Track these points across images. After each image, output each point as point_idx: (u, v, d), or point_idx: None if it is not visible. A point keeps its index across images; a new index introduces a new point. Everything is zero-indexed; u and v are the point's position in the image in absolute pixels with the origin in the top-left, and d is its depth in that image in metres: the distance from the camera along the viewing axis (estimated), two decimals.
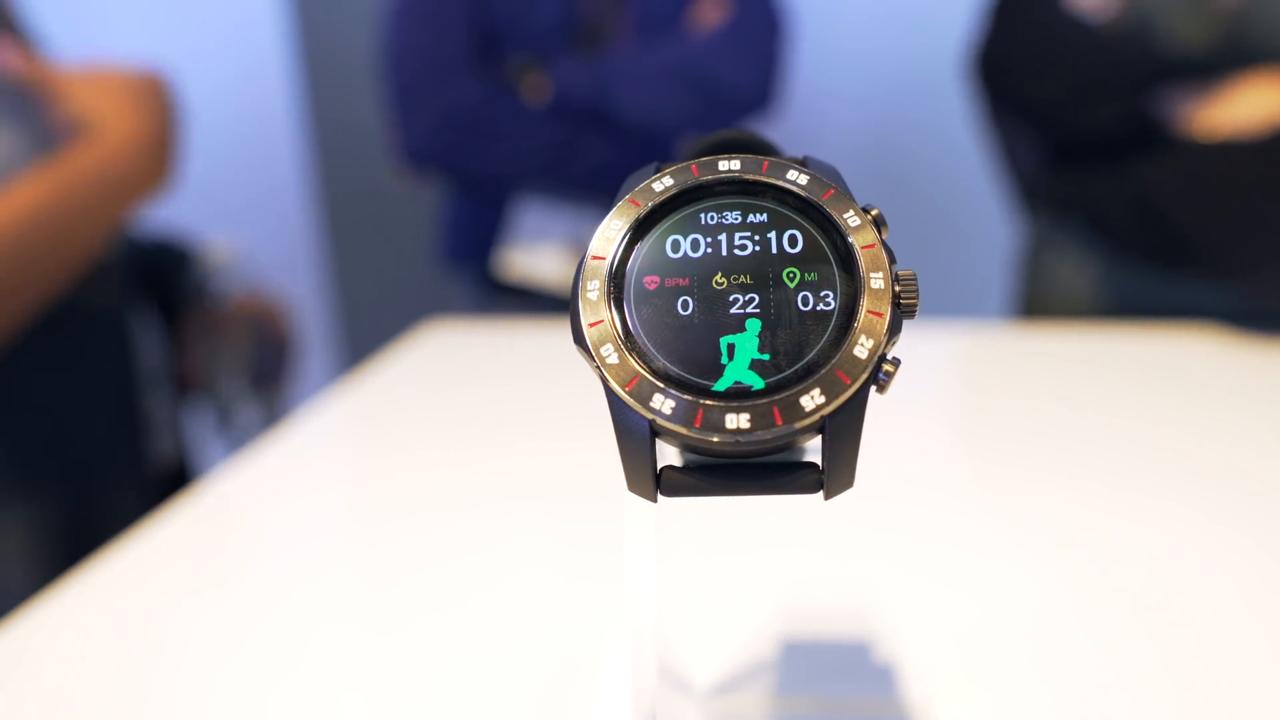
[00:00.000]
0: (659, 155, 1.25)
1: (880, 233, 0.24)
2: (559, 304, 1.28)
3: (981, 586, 0.46)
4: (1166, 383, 0.74)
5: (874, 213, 0.24)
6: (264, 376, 0.81)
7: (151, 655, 0.42)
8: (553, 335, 0.91)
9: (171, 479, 0.79)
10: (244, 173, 1.92)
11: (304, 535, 0.53)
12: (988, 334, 0.88)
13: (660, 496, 0.23)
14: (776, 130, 1.76)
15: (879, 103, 1.83)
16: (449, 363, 0.85)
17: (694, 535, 0.51)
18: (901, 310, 0.23)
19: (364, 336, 2.05)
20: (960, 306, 1.83)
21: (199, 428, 0.79)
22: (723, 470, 0.23)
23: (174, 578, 0.49)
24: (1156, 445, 0.62)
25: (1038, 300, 1.17)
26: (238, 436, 0.81)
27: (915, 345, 0.85)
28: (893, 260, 0.23)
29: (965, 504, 0.55)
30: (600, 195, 1.25)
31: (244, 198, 1.92)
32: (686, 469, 0.23)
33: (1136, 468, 0.58)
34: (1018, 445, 0.62)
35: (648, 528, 0.26)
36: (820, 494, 0.23)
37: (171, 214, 1.86)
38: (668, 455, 0.24)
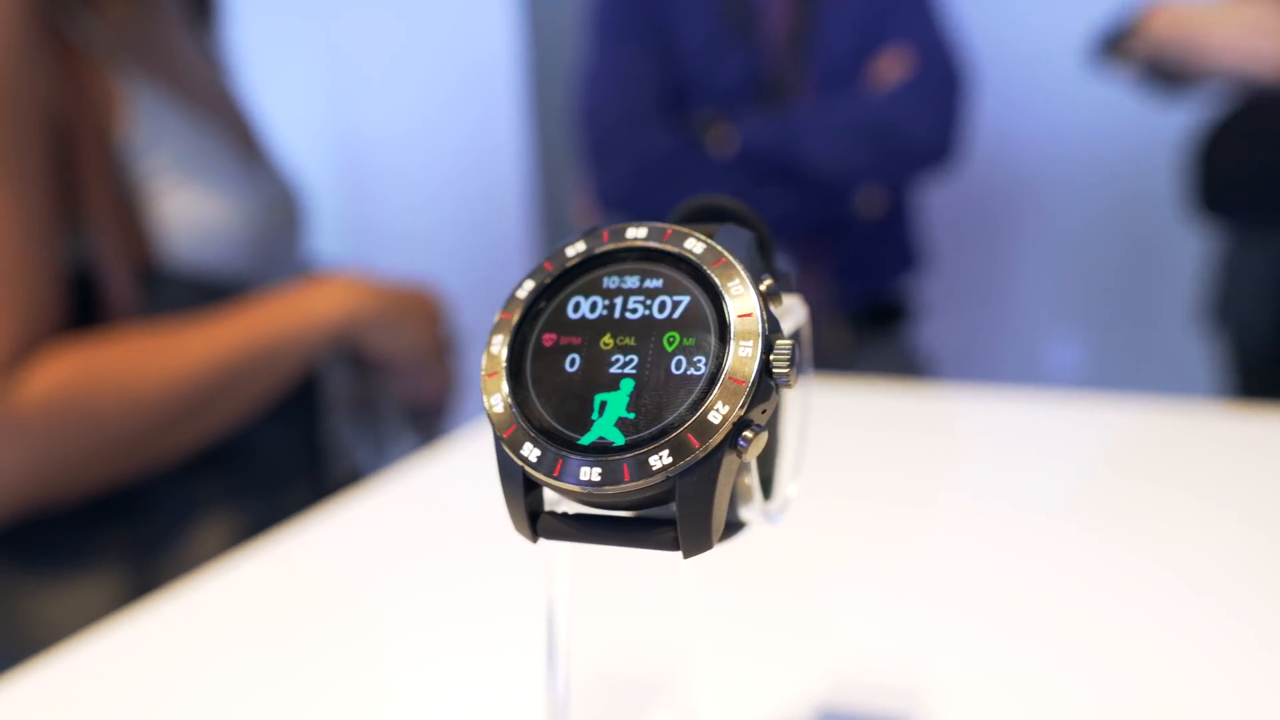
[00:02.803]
0: (840, 204, 1.25)
1: (767, 303, 0.24)
2: None
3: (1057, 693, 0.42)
4: None
5: (765, 284, 0.24)
6: (425, 413, 0.88)
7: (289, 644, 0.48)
8: None
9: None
10: (472, 222, 2.09)
11: (451, 543, 0.58)
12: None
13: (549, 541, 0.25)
14: (1019, 186, 1.69)
15: (1122, 158, 1.72)
16: None
17: (749, 594, 0.51)
18: (774, 379, 0.23)
19: None
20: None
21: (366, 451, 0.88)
22: (595, 520, 0.25)
23: (310, 576, 0.55)
24: None
25: None
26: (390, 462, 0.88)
27: (1128, 425, 0.75)
28: (772, 330, 0.24)
29: (1072, 607, 0.51)
30: (781, 243, 1.27)
31: (471, 246, 2.09)
32: (563, 516, 0.25)
33: None
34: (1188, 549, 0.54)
35: (565, 588, 0.28)
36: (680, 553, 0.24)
37: (397, 260, 2.05)
38: (588, 505, 0.26)
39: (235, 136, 0.85)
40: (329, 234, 2.19)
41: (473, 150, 2.08)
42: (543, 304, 0.26)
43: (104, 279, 0.72)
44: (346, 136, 2.17)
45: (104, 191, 0.72)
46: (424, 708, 0.41)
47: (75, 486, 0.69)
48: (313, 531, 0.60)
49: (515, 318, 0.26)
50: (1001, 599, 0.48)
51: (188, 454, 0.74)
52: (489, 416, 0.25)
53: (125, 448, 0.69)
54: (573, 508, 0.25)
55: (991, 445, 0.74)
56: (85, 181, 0.71)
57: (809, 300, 1.25)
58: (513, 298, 0.26)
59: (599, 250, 0.26)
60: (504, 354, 0.25)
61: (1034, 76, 1.71)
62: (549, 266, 0.26)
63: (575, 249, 0.26)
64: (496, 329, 0.26)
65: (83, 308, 0.72)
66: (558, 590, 0.28)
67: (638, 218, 1.08)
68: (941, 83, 1.21)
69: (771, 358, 0.23)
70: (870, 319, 1.33)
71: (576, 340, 0.25)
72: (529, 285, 0.26)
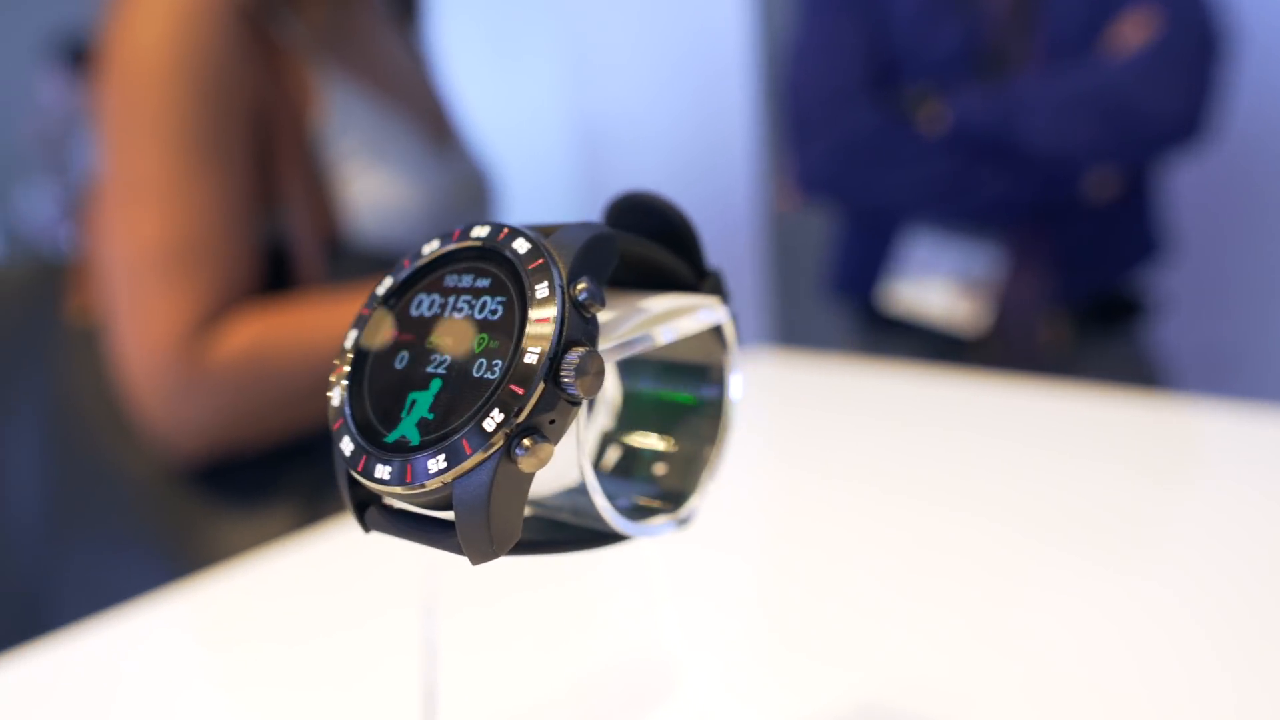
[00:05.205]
0: (1064, 187, 1.13)
1: (579, 309, 0.23)
2: (942, 341, 1.22)
3: None
4: None
5: (579, 287, 0.23)
6: None
7: None
8: (884, 381, 0.88)
9: None
10: (700, 199, 2.10)
11: None
12: None
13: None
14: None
15: None
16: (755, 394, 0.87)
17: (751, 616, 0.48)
18: (561, 389, 0.22)
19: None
20: None
21: None
22: (411, 517, 0.25)
23: None
24: None
25: None
26: None
27: None
28: (572, 337, 0.23)
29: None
30: (994, 229, 1.17)
31: (699, 223, 2.10)
32: (388, 510, 0.25)
33: None
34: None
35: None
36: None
37: None
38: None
39: (426, 123, 0.91)
40: (567, 209, 2.29)
41: (703, 128, 2.09)
42: (393, 301, 0.26)
43: (295, 252, 0.81)
44: (584, 117, 2.26)
45: (298, 174, 0.81)
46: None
47: (259, 433, 0.78)
48: None
49: (370, 313, 0.26)
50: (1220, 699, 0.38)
51: None
52: (329, 408, 0.26)
53: (302, 400, 0.78)
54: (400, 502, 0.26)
55: (1242, 473, 0.59)
56: (282, 165, 0.80)
57: (1021, 292, 1.15)
58: (372, 294, 0.27)
59: (447, 249, 0.26)
60: (353, 349, 0.26)
61: None
62: (406, 264, 0.27)
63: (430, 247, 0.26)
64: (354, 324, 0.27)
65: (276, 276, 0.81)
66: (433, 627, 0.28)
67: (841, 201, 1.04)
68: (1192, 48, 1.06)
69: (561, 368, 0.22)
70: (1097, 314, 1.20)
71: (410, 337, 0.25)
72: (387, 282, 0.27)
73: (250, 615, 0.51)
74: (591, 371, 0.22)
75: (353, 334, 0.26)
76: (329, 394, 0.26)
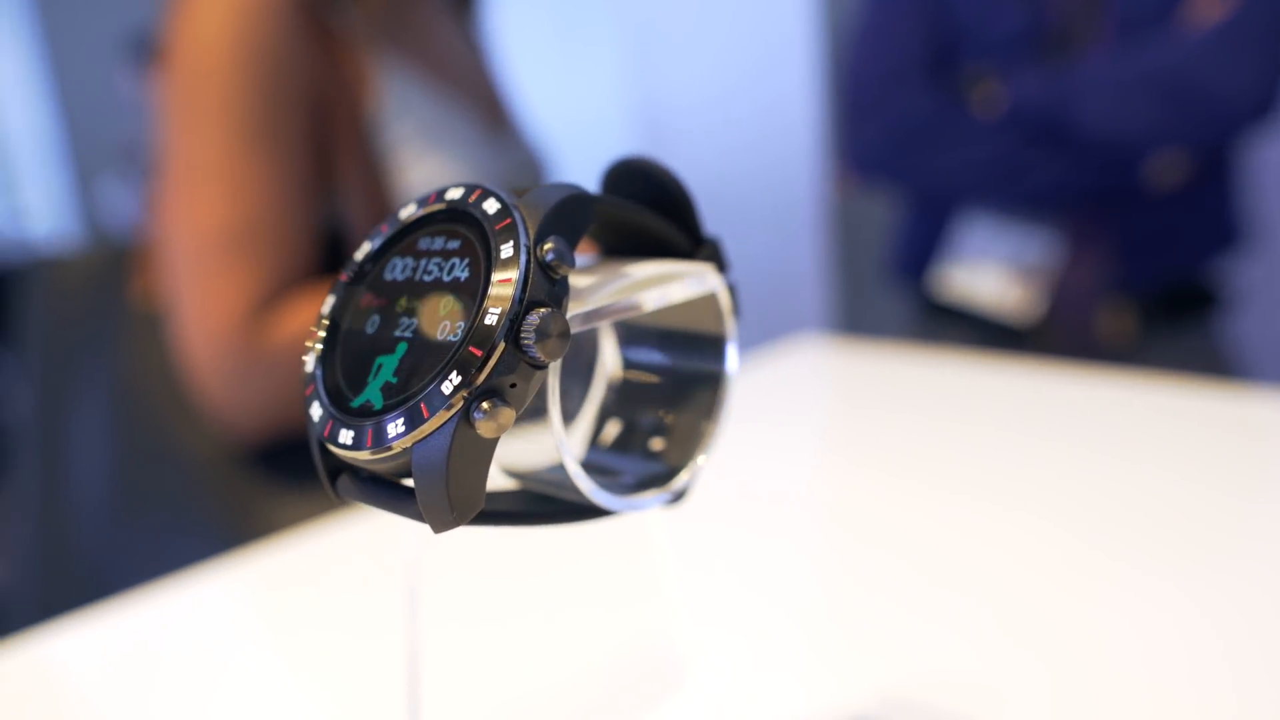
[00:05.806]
0: (1123, 171, 1.08)
1: (540, 271, 0.22)
2: (998, 329, 1.18)
3: None
4: None
5: (546, 247, 0.23)
6: None
7: None
8: (925, 370, 0.86)
9: None
10: (763, 185, 2.07)
11: None
12: None
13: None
14: None
15: None
16: (790, 382, 0.85)
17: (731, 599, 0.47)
18: (522, 352, 0.22)
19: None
20: None
21: None
22: (381, 483, 0.24)
23: None
24: None
25: None
26: None
27: None
28: (535, 302, 0.22)
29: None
30: (1050, 213, 1.13)
31: (761, 208, 2.08)
32: (359, 476, 0.25)
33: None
34: None
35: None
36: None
37: None
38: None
39: (482, 110, 0.92)
40: None
41: (765, 116, 2.06)
42: (370, 266, 0.26)
43: (352, 236, 0.82)
44: (645, 104, 2.26)
45: (355, 160, 0.82)
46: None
47: None
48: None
49: (348, 279, 0.26)
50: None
51: None
52: (303, 373, 0.25)
53: None
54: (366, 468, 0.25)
55: None
56: (339, 152, 0.81)
57: (1077, 280, 1.11)
58: (351, 259, 0.26)
59: (423, 212, 0.25)
60: (330, 314, 0.26)
61: None
62: (385, 229, 0.26)
63: (407, 210, 0.26)
64: (332, 290, 0.26)
65: (333, 260, 0.82)
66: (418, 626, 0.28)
67: (894, 184, 1.03)
68: (1268, 23, 1.00)
69: (520, 330, 0.22)
70: (1165, 305, 1.14)
71: (382, 302, 0.25)
72: (366, 247, 0.26)
73: (300, 581, 0.53)
74: (554, 333, 0.22)
75: (330, 300, 0.26)
76: (306, 359, 0.25)
